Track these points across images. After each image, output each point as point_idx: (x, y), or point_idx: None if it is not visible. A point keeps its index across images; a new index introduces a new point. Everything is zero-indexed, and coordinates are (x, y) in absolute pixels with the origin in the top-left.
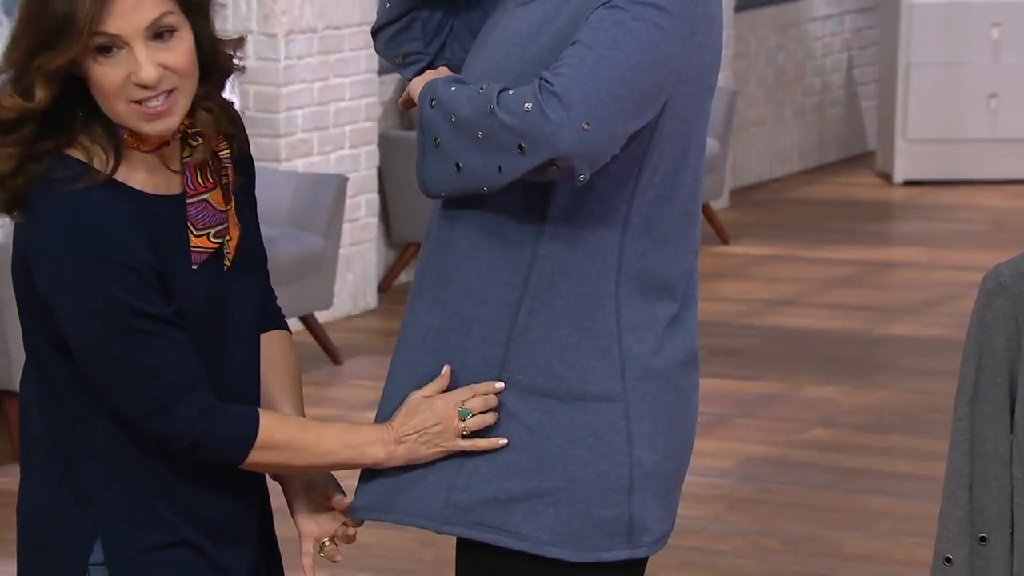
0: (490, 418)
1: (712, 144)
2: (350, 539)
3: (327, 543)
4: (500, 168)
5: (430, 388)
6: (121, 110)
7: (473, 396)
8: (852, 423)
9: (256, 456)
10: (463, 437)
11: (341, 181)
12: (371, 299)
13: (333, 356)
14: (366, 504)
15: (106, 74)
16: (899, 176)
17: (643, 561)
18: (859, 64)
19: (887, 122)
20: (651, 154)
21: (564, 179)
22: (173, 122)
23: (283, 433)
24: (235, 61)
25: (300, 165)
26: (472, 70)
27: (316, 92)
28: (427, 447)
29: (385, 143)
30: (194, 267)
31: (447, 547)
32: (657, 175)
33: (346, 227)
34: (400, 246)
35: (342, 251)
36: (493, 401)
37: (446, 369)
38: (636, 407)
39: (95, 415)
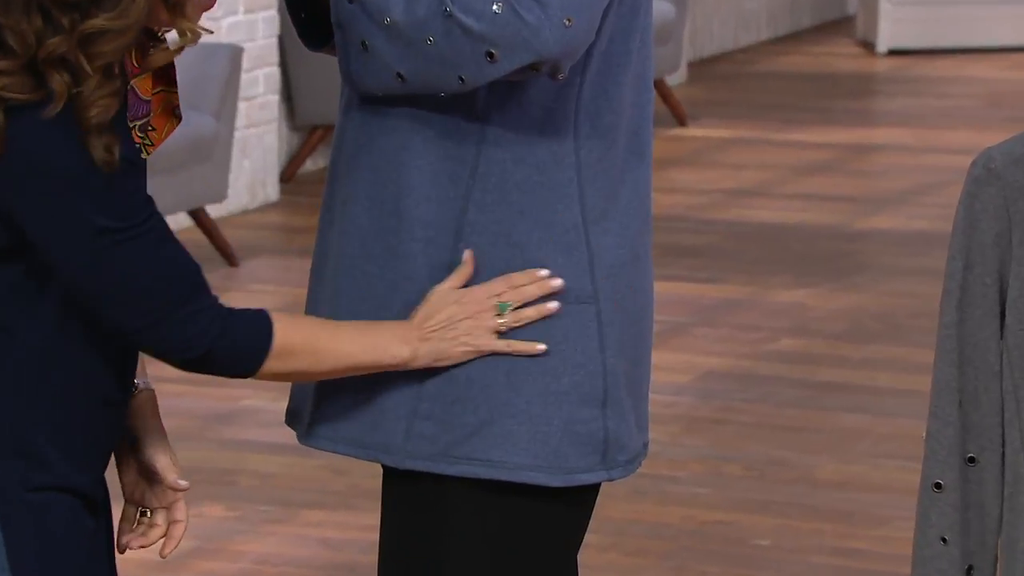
0: (531, 313)
1: (667, 8)
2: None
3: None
4: (462, 78)
5: (454, 279)
6: None
7: (511, 287)
8: (826, 331)
9: (272, 365)
10: (499, 336)
11: (235, 52)
12: (272, 190)
13: (228, 257)
14: (317, 431)
15: None
16: (883, 45)
17: (598, 487)
18: None
19: None
20: (605, 19)
21: (542, 78)
22: None
23: (301, 336)
24: None
25: None
26: None
27: None
28: (455, 344)
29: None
30: None
31: (362, 476)
32: (608, 41)
33: (242, 106)
34: (305, 128)
35: (237, 134)
36: (533, 293)
37: (468, 254)
38: (607, 308)
39: (25, 349)
